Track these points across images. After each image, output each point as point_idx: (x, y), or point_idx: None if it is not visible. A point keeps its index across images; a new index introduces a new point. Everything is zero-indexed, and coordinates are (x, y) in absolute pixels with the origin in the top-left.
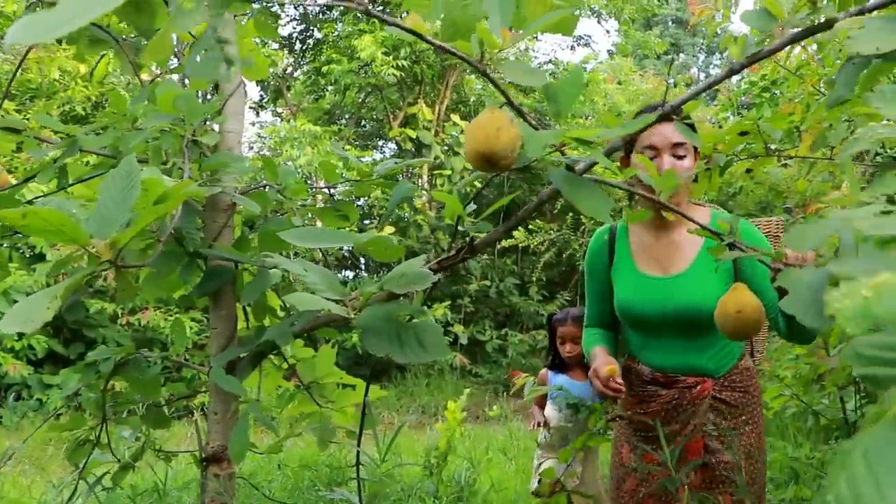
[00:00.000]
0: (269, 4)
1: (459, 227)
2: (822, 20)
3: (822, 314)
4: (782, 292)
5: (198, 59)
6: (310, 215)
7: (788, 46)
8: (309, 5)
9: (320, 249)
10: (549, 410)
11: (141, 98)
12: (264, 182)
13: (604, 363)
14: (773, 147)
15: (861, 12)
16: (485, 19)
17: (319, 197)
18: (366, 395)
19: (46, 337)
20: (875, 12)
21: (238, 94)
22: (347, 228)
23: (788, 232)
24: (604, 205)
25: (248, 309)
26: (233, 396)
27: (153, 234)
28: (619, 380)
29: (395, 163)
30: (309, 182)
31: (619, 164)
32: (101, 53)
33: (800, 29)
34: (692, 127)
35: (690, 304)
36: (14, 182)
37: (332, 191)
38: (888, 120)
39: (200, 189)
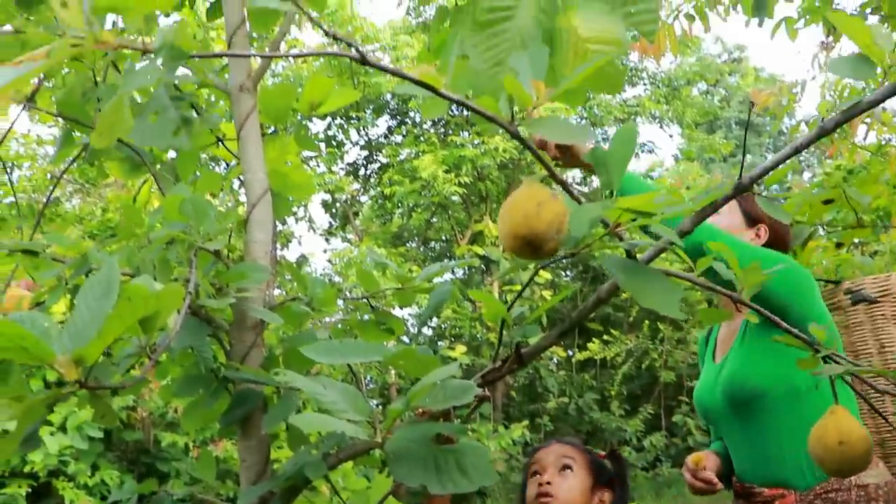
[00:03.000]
0: (303, 118)
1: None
2: None
3: None
4: None
5: (150, 120)
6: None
7: (865, 128)
8: (365, 126)
9: (348, 365)
10: None
11: (160, 210)
12: (292, 297)
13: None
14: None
15: None
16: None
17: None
18: None
19: (119, 472)
20: None
21: (265, 201)
22: (394, 342)
23: None
24: (672, 297)
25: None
26: None
27: (143, 351)
28: (710, 470)
29: (440, 266)
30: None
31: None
32: (142, 178)
33: None
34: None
35: (731, 380)
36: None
37: (372, 303)
38: None
39: (212, 301)
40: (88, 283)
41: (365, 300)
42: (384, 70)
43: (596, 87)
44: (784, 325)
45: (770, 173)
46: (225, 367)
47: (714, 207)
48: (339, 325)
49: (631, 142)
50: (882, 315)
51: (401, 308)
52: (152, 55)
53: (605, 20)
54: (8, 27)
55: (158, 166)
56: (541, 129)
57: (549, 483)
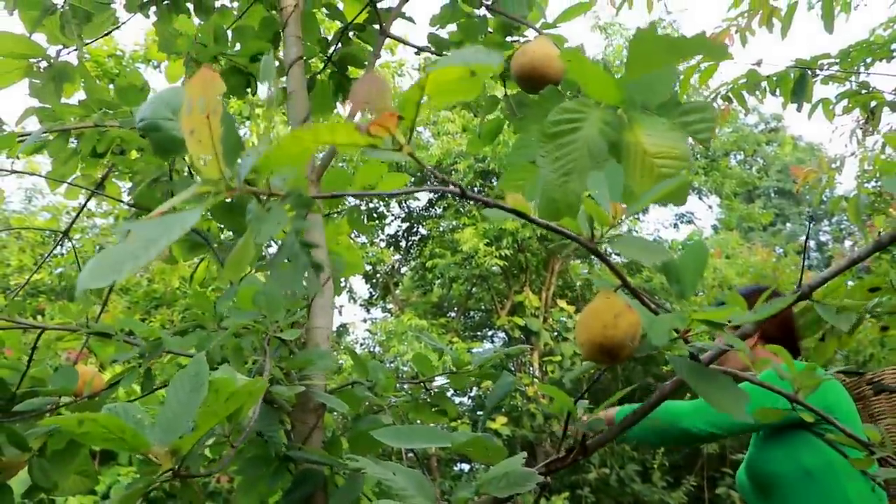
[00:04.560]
0: (360, 203)
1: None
2: None
3: None
4: None
5: (281, 267)
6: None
7: None
8: (407, 199)
9: (413, 450)
10: None
11: (228, 296)
12: (353, 381)
13: None
14: None
15: None
16: (588, 195)
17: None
18: None
19: None
20: None
21: (326, 289)
22: (448, 423)
23: None
24: (740, 400)
25: None
26: None
27: (226, 440)
28: None
29: (494, 351)
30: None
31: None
32: (199, 257)
33: None
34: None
35: (750, 463)
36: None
37: (427, 387)
38: None
39: (282, 388)
40: (179, 376)
41: (421, 384)
42: (483, 202)
43: (664, 200)
44: (838, 424)
45: (827, 283)
46: (287, 448)
47: (775, 315)
48: (394, 405)
49: (703, 255)
50: None
51: (459, 392)
52: (275, 198)
53: (670, 136)
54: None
55: (216, 245)
56: (619, 247)
57: None
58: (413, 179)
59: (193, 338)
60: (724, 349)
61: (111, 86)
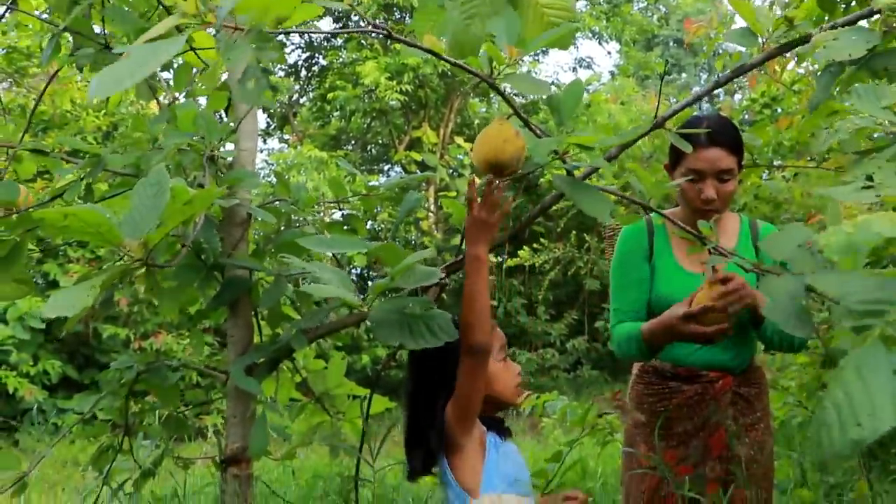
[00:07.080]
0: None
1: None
2: (798, 36)
3: (805, 322)
4: None
5: (247, 86)
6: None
7: (781, 61)
8: (320, 34)
9: (335, 256)
10: None
11: (161, 119)
12: (277, 198)
13: (682, 305)
14: (757, 159)
15: (834, 27)
16: (490, 39)
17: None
18: (369, 405)
19: (61, 362)
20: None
21: (251, 115)
22: None
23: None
24: (605, 206)
25: (263, 321)
26: (250, 398)
27: (177, 238)
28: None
29: (401, 177)
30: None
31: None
32: None
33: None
34: (739, 148)
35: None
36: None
37: (341, 207)
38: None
39: (221, 199)
40: (141, 184)
41: (336, 204)
42: (406, 43)
43: (552, 45)
44: (684, 226)
45: (677, 115)
46: (216, 256)
47: (634, 140)
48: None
49: (579, 94)
50: None
51: (365, 213)
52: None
53: None
54: None
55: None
56: (512, 82)
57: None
58: (322, 11)
59: (131, 156)
60: (595, 167)
61: None
